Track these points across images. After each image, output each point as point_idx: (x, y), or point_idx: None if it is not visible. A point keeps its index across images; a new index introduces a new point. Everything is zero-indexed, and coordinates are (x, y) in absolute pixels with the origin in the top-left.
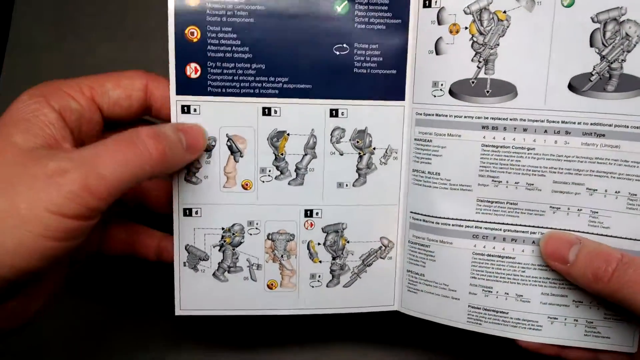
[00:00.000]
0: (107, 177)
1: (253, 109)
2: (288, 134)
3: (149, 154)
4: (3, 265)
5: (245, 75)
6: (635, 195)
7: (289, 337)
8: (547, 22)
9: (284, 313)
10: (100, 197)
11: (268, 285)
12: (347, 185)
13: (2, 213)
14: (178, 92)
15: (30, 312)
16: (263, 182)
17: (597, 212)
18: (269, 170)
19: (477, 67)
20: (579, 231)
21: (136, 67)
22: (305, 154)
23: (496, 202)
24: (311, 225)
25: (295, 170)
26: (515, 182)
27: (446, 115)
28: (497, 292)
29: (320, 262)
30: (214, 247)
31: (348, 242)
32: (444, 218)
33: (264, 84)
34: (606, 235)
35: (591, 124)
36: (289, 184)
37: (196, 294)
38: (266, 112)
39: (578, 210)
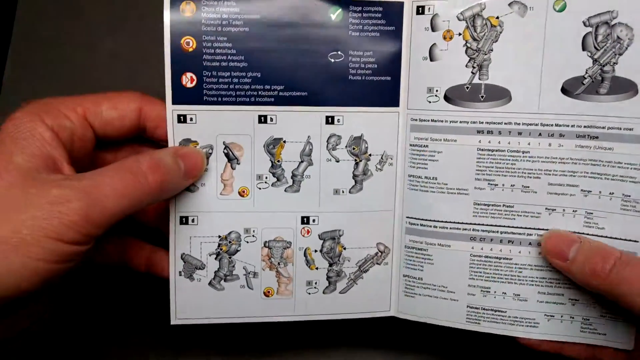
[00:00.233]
0: (108, 208)
1: (249, 117)
2: (284, 141)
3: (149, 185)
4: (5, 287)
5: (241, 84)
6: (629, 196)
7: (286, 344)
8: (539, 27)
9: (280, 320)
10: (100, 226)
11: (265, 293)
12: (343, 191)
13: (4, 238)
14: (174, 102)
15: (15, 332)
16: (260, 189)
17: (592, 213)
18: (266, 177)
19: (472, 72)
20: (574, 232)
21: (140, 64)
22: (302, 161)
23: (493, 205)
24: (308, 232)
25: (291, 177)
26: (511, 185)
27: (442, 121)
28: (495, 292)
29: (317, 269)
30: (210, 255)
31: (345, 248)
32: (442, 222)
33: (259, 92)
34: (601, 236)
35: (584, 126)
36: (285, 190)
37: (192, 303)
38: (262, 119)
39: (573, 211)
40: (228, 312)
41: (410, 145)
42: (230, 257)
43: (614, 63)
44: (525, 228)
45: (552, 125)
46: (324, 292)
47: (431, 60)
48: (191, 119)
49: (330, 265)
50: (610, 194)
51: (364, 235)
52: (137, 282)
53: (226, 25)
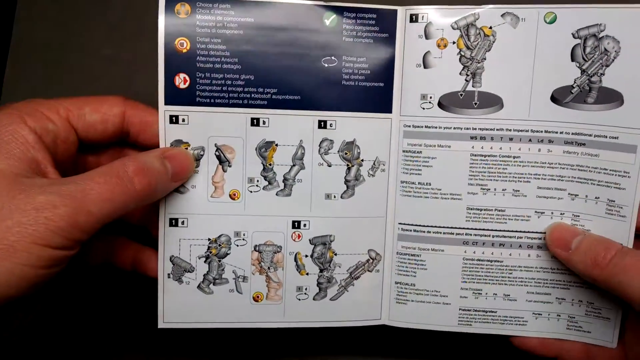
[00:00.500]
0: (94, 213)
1: (242, 119)
2: (276, 145)
3: (135, 189)
4: None
5: (234, 86)
6: (614, 201)
7: (275, 351)
8: (530, 38)
9: (269, 326)
10: (86, 231)
11: (254, 298)
12: (335, 196)
13: None
14: (167, 102)
15: None
16: (251, 192)
17: (578, 216)
18: (257, 181)
19: (465, 80)
20: None
21: (137, 66)
22: (294, 165)
23: (485, 210)
24: (299, 237)
25: (283, 181)
26: (503, 189)
27: (436, 127)
28: (486, 293)
29: (307, 274)
30: (199, 258)
31: (335, 254)
32: (436, 227)
33: (252, 95)
34: None
35: (572, 133)
36: (276, 194)
37: (180, 306)
38: (255, 122)
39: (561, 214)
40: (216, 317)
41: (404, 151)
42: (219, 261)
43: (601, 74)
44: (516, 231)
45: (541, 131)
46: (314, 299)
47: (425, 67)
48: (183, 120)
49: (321, 271)
50: (595, 198)
51: (356, 242)
52: (123, 284)
53: (220, 28)
